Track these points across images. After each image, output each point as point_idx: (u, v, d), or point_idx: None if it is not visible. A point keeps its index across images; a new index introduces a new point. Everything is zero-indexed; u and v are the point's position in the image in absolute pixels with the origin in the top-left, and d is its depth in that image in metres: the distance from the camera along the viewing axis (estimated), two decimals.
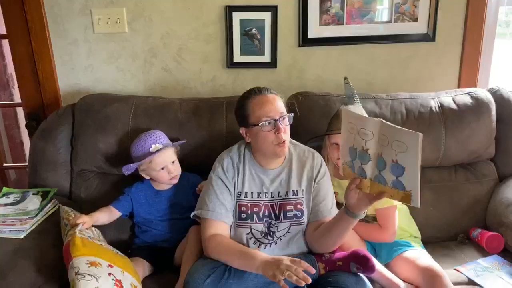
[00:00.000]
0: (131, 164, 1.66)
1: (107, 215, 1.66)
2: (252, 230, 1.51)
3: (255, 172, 1.54)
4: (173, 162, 1.68)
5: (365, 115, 1.66)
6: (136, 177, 1.73)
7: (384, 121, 1.14)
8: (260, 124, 1.44)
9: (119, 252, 1.51)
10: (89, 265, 1.27)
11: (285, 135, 1.46)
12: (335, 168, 1.63)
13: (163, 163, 1.65)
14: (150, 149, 1.64)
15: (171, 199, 1.72)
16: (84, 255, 1.31)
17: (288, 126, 1.49)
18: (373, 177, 1.21)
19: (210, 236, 1.47)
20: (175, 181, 1.70)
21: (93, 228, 1.56)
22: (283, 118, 1.46)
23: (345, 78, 1.72)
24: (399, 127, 1.12)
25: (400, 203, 1.54)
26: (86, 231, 1.48)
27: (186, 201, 1.70)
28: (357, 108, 1.65)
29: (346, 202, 1.32)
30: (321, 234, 1.46)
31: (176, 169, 1.69)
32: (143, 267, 1.58)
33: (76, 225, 1.47)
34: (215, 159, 1.59)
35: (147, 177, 1.71)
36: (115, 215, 1.68)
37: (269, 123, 1.44)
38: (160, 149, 1.64)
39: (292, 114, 1.51)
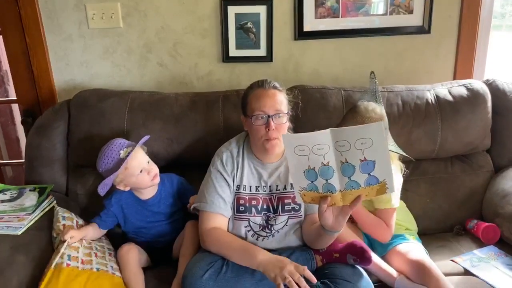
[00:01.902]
0: (106, 180, 1.54)
1: (95, 231, 1.61)
2: (251, 223, 1.51)
3: (253, 165, 1.54)
4: (148, 162, 1.61)
5: (385, 116, 1.58)
6: None
7: (333, 128, 1.13)
8: (252, 117, 1.45)
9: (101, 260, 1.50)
10: None
11: (276, 132, 1.43)
12: None
13: (140, 164, 1.57)
14: (121, 156, 1.55)
15: (157, 208, 1.66)
16: None
17: (284, 124, 1.47)
18: (344, 187, 1.18)
19: (209, 229, 1.47)
20: (157, 180, 1.62)
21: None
22: (278, 116, 1.45)
23: (372, 72, 1.69)
24: (354, 126, 1.12)
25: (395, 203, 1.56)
26: (71, 248, 1.46)
27: (173, 205, 1.67)
28: (379, 108, 1.59)
29: (323, 224, 1.29)
30: (311, 239, 1.46)
31: (154, 168, 1.62)
32: (136, 254, 1.56)
33: (64, 241, 1.46)
34: (211, 154, 1.59)
35: (126, 189, 1.61)
36: (102, 231, 1.64)
37: (261, 117, 1.44)
38: (130, 152, 1.55)
39: (289, 114, 1.49)
